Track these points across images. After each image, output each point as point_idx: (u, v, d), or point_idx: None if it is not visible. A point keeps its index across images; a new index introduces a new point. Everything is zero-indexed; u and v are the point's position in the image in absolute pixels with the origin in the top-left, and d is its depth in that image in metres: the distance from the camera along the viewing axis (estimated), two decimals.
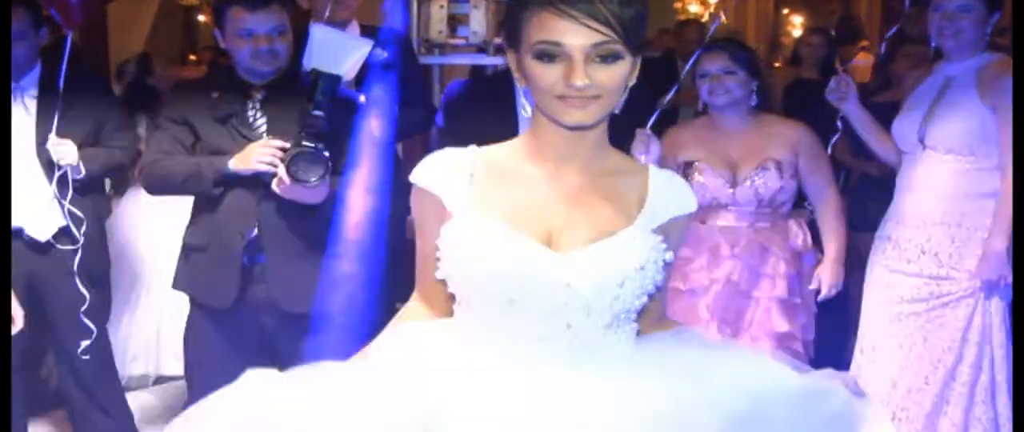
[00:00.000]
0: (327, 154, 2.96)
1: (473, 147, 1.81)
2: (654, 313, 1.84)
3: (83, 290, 3.54)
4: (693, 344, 1.81)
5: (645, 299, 1.73)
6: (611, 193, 1.76)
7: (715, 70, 3.48)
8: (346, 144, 3.18)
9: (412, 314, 1.89)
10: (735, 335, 3.50)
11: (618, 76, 1.64)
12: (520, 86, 1.74)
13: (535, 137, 1.77)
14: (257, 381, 1.72)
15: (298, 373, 1.73)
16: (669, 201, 1.78)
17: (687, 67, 3.62)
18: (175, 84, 4.20)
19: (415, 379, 1.66)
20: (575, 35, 1.59)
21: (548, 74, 1.62)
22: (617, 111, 1.72)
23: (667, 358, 1.75)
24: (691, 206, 1.82)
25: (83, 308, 3.55)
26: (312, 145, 2.96)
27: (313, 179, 2.96)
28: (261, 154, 3.02)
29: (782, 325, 3.52)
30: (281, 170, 2.97)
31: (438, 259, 1.73)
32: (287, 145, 3.01)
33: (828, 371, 1.83)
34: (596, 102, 1.64)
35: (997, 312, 3.39)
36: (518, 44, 1.68)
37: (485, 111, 3.55)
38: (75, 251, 3.54)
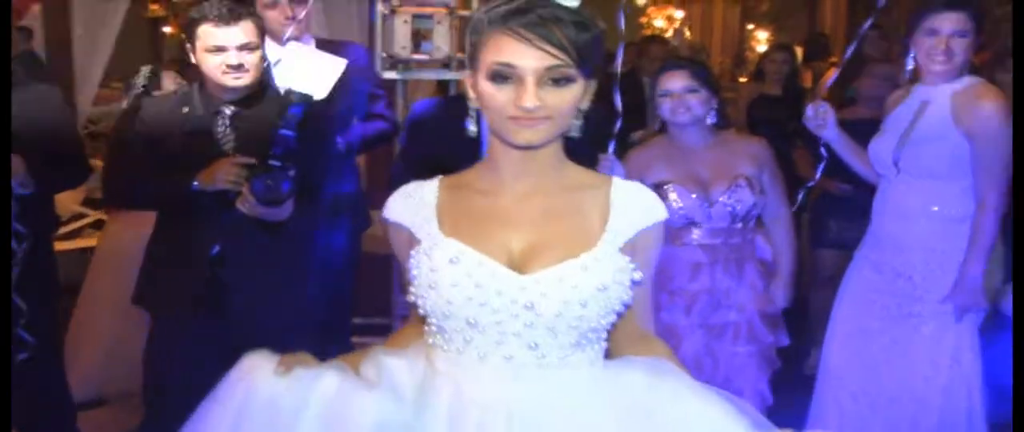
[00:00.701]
0: (293, 173, 2.96)
1: (439, 177, 1.86)
2: (630, 329, 1.85)
3: (21, 304, 3.47)
4: (669, 382, 1.77)
5: (612, 317, 1.75)
6: (573, 211, 1.77)
7: (677, 89, 3.47)
8: (312, 163, 3.18)
9: (403, 335, 1.94)
10: (721, 348, 3.53)
11: (569, 99, 1.67)
12: (473, 106, 1.77)
13: (492, 160, 1.80)
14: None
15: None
16: (634, 214, 1.79)
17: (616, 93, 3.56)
18: (145, 99, 4.16)
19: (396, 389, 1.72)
20: (529, 58, 1.63)
21: (500, 95, 1.66)
22: (576, 134, 1.75)
23: (642, 390, 1.74)
24: (659, 215, 1.82)
25: (22, 323, 3.48)
26: (278, 164, 2.95)
27: (277, 198, 2.96)
28: (227, 172, 3.01)
29: (767, 336, 3.56)
30: (245, 189, 2.96)
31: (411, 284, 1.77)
32: (253, 162, 3.00)
33: None
34: (546, 123, 1.67)
35: (967, 337, 3.40)
36: (475, 65, 1.71)
37: (448, 133, 3.55)
38: (13, 266, 3.46)
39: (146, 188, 3.20)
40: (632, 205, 1.80)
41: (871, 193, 3.64)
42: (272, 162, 2.96)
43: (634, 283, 1.76)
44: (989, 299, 3.35)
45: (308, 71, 3.19)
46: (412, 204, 1.83)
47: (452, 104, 3.72)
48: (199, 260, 3.13)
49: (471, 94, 1.75)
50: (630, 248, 1.77)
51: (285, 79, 3.12)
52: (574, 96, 1.68)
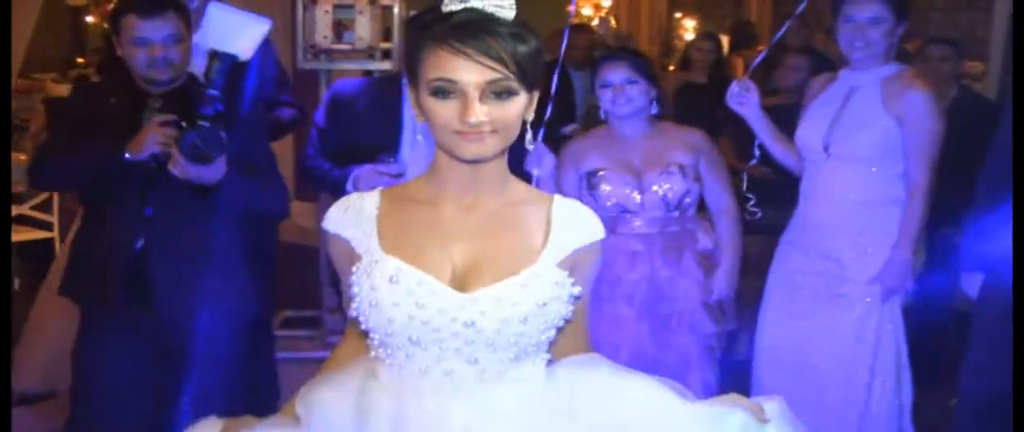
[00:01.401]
0: (224, 135, 2.95)
1: (380, 189, 1.86)
2: (569, 342, 1.87)
3: None
4: (599, 375, 1.82)
5: (552, 332, 1.77)
6: (515, 227, 1.78)
7: (618, 80, 3.47)
8: (236, 123, 3.16)
9: (343, 352, 1.95)
10: (664, 338, 3.53)
11: (513, 112, 1.68)
12: (419, 121, 1.76)
13: (437, 173, 1.79)
14: None
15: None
16: (573, 232, 1.80)
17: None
18: (72, 88, 4.10)
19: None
20: (469, 72, 1.63)
21: (444, 110, 1.65)
22: (530, 147, 1.78)
23: (574, 390, 1.78)
24: (597, 235, 1.83)
25: None
26: (207, 125, 2.94)
27: (207, 155, 2.94)
28: (156, 132, 2.99)
29: (708, 326, 3.56)
30: (174, 150, 2.94)
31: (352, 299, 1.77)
32: (176, 119, 2.98)
33: (732, 396, 1.86)
34: (493, 136, 1.67)
35: (893, 318, 3.46)
36: (416, 81, 1.70)
37: (369, 112, 3.53)
38: None
39: (75, 166, 3.15)
40: (572, 222, 1.81)
41: (789, 178, 3.68)
42: (201, 123, 2.94)
43: (573, 298, 1.78)
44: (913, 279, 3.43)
45: (231, 32, 3.16)
46: (352, 216, 1.82)
47: (376, 86, 3.68)
48: (123, 255, 3.10)
49: (415, 110, 1.75)
50: (569, 265, 1.78)
51: (208, 40, 3.08)
52: (518, 108, 1.68)
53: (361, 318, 1.74)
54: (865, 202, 3.43)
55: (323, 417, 1.75)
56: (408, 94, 1.78)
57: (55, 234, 6.30)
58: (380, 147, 3.46)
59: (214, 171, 2.98)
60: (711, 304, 3.59)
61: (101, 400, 3.16)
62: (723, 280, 3.62)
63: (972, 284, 3.32)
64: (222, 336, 3.12)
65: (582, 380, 1.79)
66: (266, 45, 3.88)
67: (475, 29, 1.63)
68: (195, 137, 2.92)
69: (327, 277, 4.94)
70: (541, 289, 1.71)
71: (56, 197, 6.28)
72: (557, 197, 1.85)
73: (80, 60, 9.84)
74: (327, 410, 1.76)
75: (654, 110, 3.55)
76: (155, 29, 3.06)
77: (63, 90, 8.45)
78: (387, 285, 1.70)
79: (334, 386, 1.80)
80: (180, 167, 2.95)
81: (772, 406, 1.83)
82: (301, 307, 5.36)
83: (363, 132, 3.52)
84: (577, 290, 1.77)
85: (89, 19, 11.31)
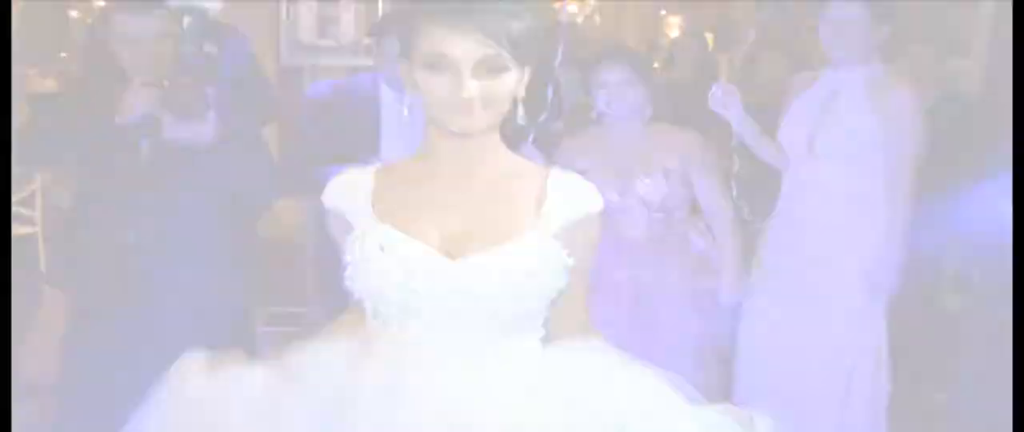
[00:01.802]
0: (209, 91, 3.00)
1: (377, 164, 1.89)
2: (567, 317, 1.87)
3: None
4: (599, 361, 1.82)
5: (545, 303, 1.78)
6: (509, 197, 1.80)
7: (615, 81, 3.48)
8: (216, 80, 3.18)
9: (338, 326, 1.95)
10: (651, 338, 3.47)
11: (505, 87, 1.70)
12: (411, 94, 1.78)
13: (429, 147, 1.81)
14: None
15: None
16: (569, 203, 1.81)
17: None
18: (59, 84, 4.12)
19: (324, 387, 1.73)
20: (463, 47, 1.65)
21: (437, 84, 1.68)
22: (522, 122, 1.78)
23: (573, 375, 1.77)
24: (594, 206, 1.83)
25: None
26: (189, 80, 2.99)
27: (194, 111, 2.98)
28: (139, 96, 3.02)
29: (698, 328, 3.57)
30: (163, 112, 2.98)
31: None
32: (165, 82, 3.02)
33: (725, 406, 1.87)
34: (484, 110, 1.69)
35: (876, 316, 3.49)
36: (409, 55, 1.73)
37: (347, 112, 3.54)
38: None
39: (66, 137, 3.19)
40: (568, 194, 1.82)
41: (767, 174, 3.69)
42: (183, 80, 3.00)
43: (567, 269, 1.78)
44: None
45: None
46: (348, 191, 1.85)
47: (354, 85, 3.69)
48: (113, 248, 3.14)
49: (408, 84, 1.76)
50: (566, 237, 1.79)
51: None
52: (510, 83, 1.71)
53: (354, 286, 1.77)
54: (851, 201, 3.45)
55: (315, 384, 1.76)
56: (400, 69, 1.78)
57: (38, 230, 6.28)
58: (360, 146, 3.46)
59: (205, 130, 3.03)
60: (704, 307, 3.59)
61: (88, 392, 3.17)
62: (726, 284, 3.61)
63: (970, 277, 3.35)
64: (206, 330, 3.13)
65: (582, 368, 1.79)
66: (237, 34, 3.89)
67: (472, 5, 1.65)
68: (179, 93, 2.97)
69: (311, 273, 4.93)
70: (533, 259, 1.73)
71: (39, 193, 6.26)
72: (555, 168, 1.86)
73: (63, 54, 9.76)
74: (318, 377, 1.76)
75: (648, 112, 3.54)
76: (144, 27, 3.08)
77: (47, 85, 8.42)
78: (378, 253, 1.73)
79: (327, 352, 1.81)
80: (171, 129, 3.00)
81: (764, 421, 1.83)
82: (284, 303, 5.35)
83: (342, 132, 3.53)
84: (570, 261, 1.78)
85: (72, 13, 11.25)
